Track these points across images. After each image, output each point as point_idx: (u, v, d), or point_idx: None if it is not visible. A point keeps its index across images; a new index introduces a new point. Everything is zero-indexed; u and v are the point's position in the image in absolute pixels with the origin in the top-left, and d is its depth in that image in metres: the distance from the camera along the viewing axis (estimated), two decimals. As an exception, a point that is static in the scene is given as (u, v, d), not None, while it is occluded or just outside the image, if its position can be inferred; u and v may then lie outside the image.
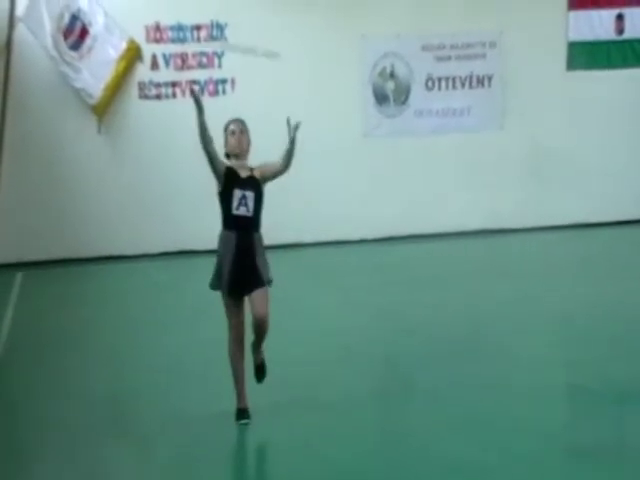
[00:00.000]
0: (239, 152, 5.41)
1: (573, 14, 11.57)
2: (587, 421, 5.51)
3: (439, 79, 11.44)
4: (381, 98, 11.38)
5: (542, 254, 10.63)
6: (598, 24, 11.65)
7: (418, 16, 11.28)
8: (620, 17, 11.68)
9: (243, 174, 5.40)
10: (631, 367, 6.36)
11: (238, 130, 5.41)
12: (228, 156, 5.45)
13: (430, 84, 11.45)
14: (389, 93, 11.39)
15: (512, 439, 5.20)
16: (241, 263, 5.35)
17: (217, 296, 5.52)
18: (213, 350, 7.03)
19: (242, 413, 5.46)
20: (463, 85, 11.49)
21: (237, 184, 5.35)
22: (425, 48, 11.36)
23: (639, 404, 5.76)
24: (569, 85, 11.61)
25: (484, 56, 11.47)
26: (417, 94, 11.40)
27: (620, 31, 11.72)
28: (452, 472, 4.82)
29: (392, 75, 11.36)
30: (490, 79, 11.55)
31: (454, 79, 11.46)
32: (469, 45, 11.42)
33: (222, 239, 5.42)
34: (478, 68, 11.47)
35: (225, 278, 5.36)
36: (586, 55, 11.67)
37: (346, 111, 11.30)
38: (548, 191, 11.75)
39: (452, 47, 11.39)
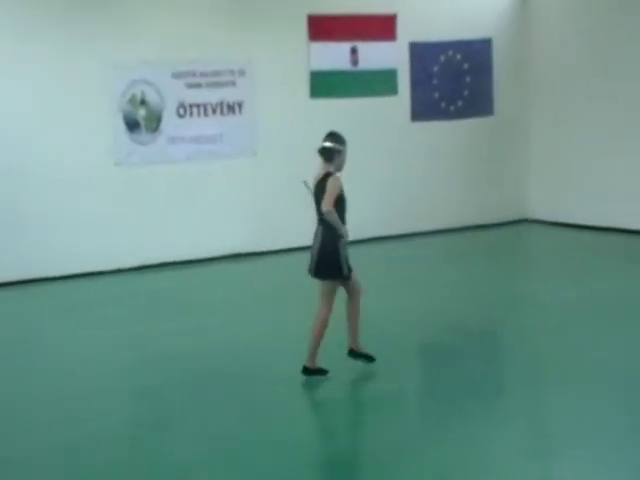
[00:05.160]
0: None
1: (313, 45, 12.17)
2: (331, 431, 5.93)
3: (190, 106, 11.47)
4: (132, 125, 11.17)
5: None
6: (335, 56, 12.34)
7: (167, 44, 11.25)
8: (354, 50, 12.47)
9: None
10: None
11: None
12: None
13: (182, 111, 11.45)
14: (140, 120, 11.23)
15: (260, 456, 5.43)
16: None
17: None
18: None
19: (308, 370, 6.78)
20: (215, 111, 11.62)
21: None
22: (175, 75, 11.34)
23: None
24: (312, 111, 12.14)
25: (234, 83, 11.69)
26: (169, 121, 11.32)
27: (355, 62, 12.50)
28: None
29: (143, 102, 11.21)
30: (241, 106, 11.78)
31: (205, 106, 11.56)
32: (219, 73, 11.57)
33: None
34: (229, 95, 11.64)
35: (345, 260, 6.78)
36: (326, 84, 12.32)
37: (96, 140, 10.94)
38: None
39: (202, 74, 11.48)
